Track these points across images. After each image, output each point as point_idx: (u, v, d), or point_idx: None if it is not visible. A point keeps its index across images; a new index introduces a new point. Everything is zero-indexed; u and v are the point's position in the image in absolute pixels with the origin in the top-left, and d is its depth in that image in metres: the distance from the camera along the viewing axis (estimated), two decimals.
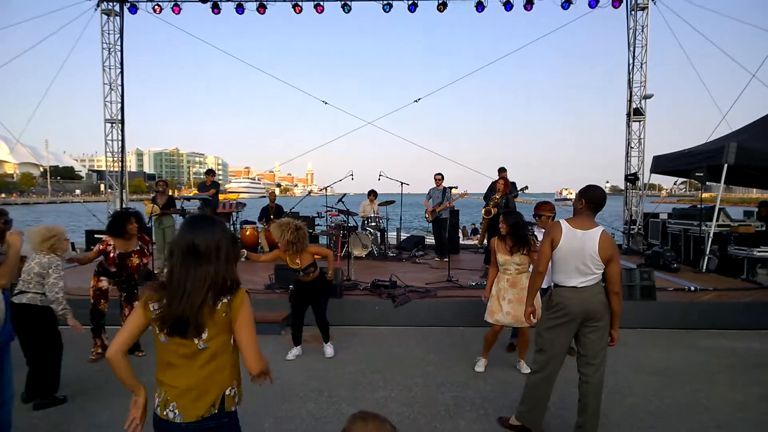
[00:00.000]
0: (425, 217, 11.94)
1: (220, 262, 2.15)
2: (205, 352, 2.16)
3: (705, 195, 11.77)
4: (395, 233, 13.84)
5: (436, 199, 11.32)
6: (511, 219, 5.28)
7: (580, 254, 3.68)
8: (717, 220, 9.81)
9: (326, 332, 5.92)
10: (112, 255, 5.53)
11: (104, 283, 5.67)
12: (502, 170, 11.04)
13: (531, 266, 5.21)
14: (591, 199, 3.76)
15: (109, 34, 14.01)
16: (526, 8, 13.23)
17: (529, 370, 5.32)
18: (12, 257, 3.30)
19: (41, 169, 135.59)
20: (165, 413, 2.17)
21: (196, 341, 2.13)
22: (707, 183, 10.89)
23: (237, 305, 2.17)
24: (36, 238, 4.48)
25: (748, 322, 6.95)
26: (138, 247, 5.66)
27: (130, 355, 5.10)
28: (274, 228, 5.52)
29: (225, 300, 2.15)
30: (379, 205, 12.40)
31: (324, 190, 12.38)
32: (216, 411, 2.20)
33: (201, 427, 2.19)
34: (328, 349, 5.89)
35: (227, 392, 2.24)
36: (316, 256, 5.74)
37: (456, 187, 11.53)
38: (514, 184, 11.02)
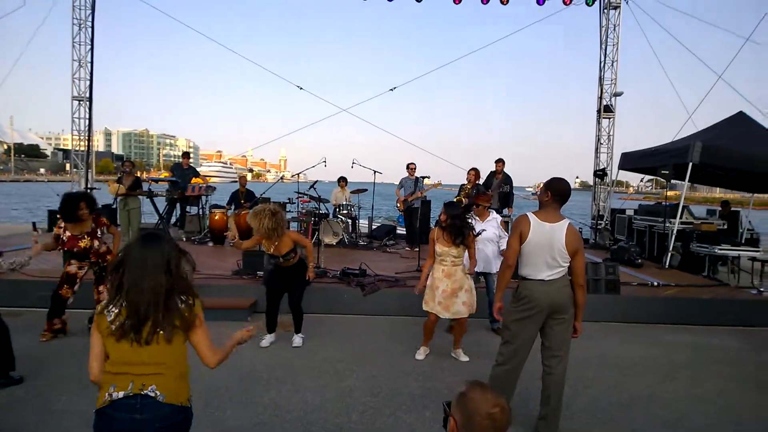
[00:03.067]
0: (396, 207, 11.90)
1: (171, 273, 2.29)
2: (169, 344, 2.26)
3: (670, 193, 12.01)
4: (367, 222, 13.80)
5: (408, 189, 11.30)
6: (451, 210, 5.35)
7: (548, 247, 3.70)
8: (681, 218, 10.02)
9: (299, 322, 5.77)
10: (62, 238, 5.44)
11: (73, 267, 5.56)
12: (499, 161, 11.10)
13: (467, 258, 5.45)
14: (556, 192, 3.78)
15: (80, 9, 13.61)
16: (502, 2, 13.22)
17: (467, 359, 5.46)
18: None
19: (5, 146, 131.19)
20: (144, 394, 2.18)
21: (158, 335, 2.23)
22: (673, 181, 11.11)
23: (195, 313, 2.35)
24: None
25: (708, 318, 7.13)
26: (90, 229, 5.51)
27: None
28: (251, 218, 5.35)
29: (182, 305, 2.30)
30: (351, 193, 12.33)
31: (296, 176, 12.27)
32: (188, 405, 2.36)
33: (175, 415, 2.27)
34: (297, 339, 5.74)
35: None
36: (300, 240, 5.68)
37: (428, 177, 11.53)
38: (509, 177, 11.08)
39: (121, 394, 2.17)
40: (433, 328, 5.51)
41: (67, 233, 5.43)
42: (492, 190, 10.69)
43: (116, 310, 2.23)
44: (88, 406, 4.03)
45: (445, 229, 5.31)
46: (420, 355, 5.53)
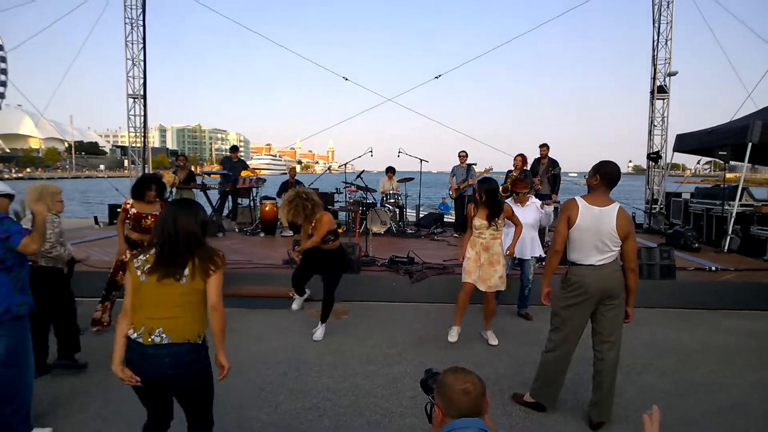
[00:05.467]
0: (449, 194, 11.91)
1: (198, 226, 2.67)
2: (185, 287, 2.58)
3: (729, 175, 11.54)
4: (414, 210, 13.83)
5: (460, 177, 11.31)
6: (486, 186, 5.40)
7: (597, 232, 3.65)
8: (740, 200, 9.63)
9: (327, 311, 5.64)
10: (129, 213, 5.59)
11: (127, 254, 5.76)
12: (543, 146, 10.91)
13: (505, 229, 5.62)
14: (605, 175, 3.71)
15: (131, 9, 14.06)
16: None
17: (496, 341, 5.49)
18: (39, 224, 3.38)
19: (66, 144, 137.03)
20: (150, 339, 2.53)
21: (177, 277, 2.57)
22: (732, 163, 10.66)
23: (217, 262, 2.67)
24: (31, 197, 4.29)
25: None
26: (156, 212, 5.65)
27: None
28: (280, 213, 5.53)
29: (204, 254, 2.65)
30: (398, 182, 12.38)
31: (344, 167, 12.40)
32: (200, 342, 2.64)
33: (185, 353, 2.57)
34: (319, 331, 5.61)
35: (205, 331, 2.69)
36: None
37: (476, 164, 11.47)
38: (555, 161, 10.89)
39: (134, 335, 2.55)
40: (467, 301, 5.52)
41: (134, 210, 5.61)
42: (540, 175, 10.53)
43: (144, 258, 2.62)
44: None
45: (480, 205, 5.37)
46: (453, 336, 5.54)
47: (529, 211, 6.23)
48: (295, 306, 5.85)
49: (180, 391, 2.65)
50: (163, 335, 2.52)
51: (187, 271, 2.58)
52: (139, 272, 2.58)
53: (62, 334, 4.66)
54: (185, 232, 2.60)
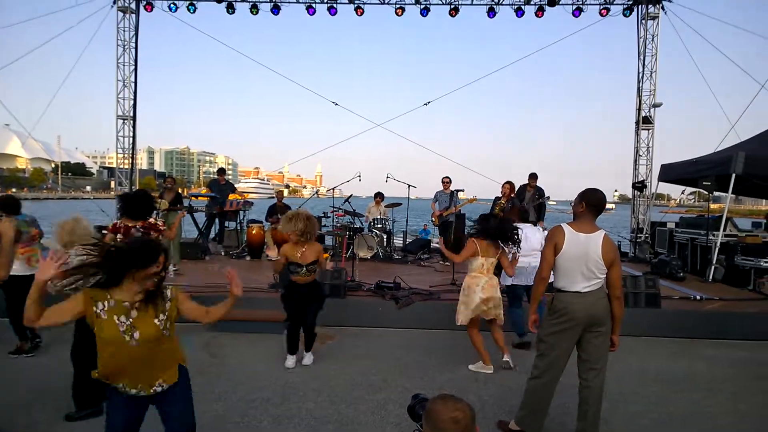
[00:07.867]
0: (432, 221, 11.92)
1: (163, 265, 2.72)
2: (165, 339, 2.71)
3: (714, 206, 11.67)
4: (402, 236, 13.84)
5: (443, 203, 11.31)
6: (490, 222, 5.45)
7: (584, 258, 3.66)
8: (724, 230, 9.73)
9: (311, 341, 5.64)
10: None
11: None
12: (532, 176, 11.01)
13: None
14: (591, 202, 3.75)
15: (124, 31, 14.14)
16: (537, 15, 13.30)
17: (513, 364, 5.45)
18: (5, 246, 3.33)
19: (53, 164, 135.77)
20: (152, 390, 2.72)
21: (158, 324, 2.64)
22: (716, 194, 10.80)
23: (175, 294, 2.77)
24: (60, 234, 4.19)
25: (753, 333, 6.89)
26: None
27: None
28: (284, 221, 5.40)
29: (166, 293, 2.73)
30: (385, 207, 12.40)
31: (331, 191, 12.41)
32: (180, 378, 2.84)
33: (183, 386, 2.87)
34: (308, 358, 5.62)
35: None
36: (324, 255, 5.62)
37: (463, 190, 11.50)
38: (541, 190, 10.98)
39: (133, 392, 2.67)
40: (479, 333, 5.47)
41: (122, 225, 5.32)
42: (526, 202, 10.60)
43: (112, 303, 2.57)
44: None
45: (486, 237, 5.35)
46: (489, 368, 5.48)
47: (537, 235, 6.27)
48: (290, 363, 5.51)
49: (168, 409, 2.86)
50: (164, 384, 2.75)
51: (160, 316, 2.66)
52: (122, 330, 2.55)
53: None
54: (151, 275, 2.65)
